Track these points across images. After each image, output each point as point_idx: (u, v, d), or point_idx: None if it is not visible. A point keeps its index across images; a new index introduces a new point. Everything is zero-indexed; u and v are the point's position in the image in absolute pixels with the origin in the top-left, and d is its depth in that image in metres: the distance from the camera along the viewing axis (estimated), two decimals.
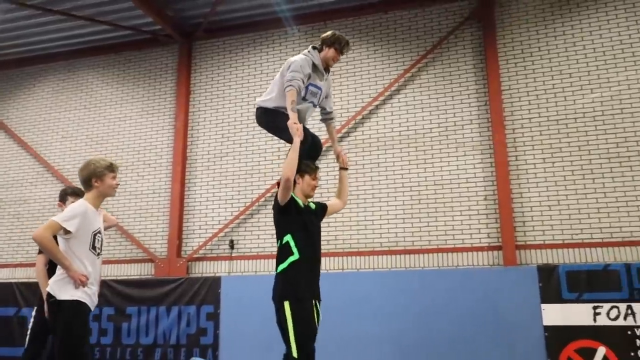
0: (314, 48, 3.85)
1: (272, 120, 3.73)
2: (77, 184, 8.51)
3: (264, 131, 8.43)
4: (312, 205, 3.64)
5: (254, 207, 7.86)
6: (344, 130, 7.74)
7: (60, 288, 2.99)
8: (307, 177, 3.51)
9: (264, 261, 7.60)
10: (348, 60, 7.95)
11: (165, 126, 8.63)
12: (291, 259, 3.34)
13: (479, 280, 6.53)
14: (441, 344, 6.33)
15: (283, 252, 3.40)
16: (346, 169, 4.01)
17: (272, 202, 3.69)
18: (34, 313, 4.14)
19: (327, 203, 3.88)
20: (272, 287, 3.45)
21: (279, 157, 7.93)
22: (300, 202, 3.52)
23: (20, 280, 8.28)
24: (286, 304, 3.25)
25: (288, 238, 3.38)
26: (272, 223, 7.90)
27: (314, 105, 3.83)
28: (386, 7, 7.97)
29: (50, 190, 8.89)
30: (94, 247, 3.14)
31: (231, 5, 8.15)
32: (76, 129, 9.08)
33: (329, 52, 3.79)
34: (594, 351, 5.89)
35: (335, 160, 4.13)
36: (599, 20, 7.14)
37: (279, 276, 3.39)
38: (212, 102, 8.52)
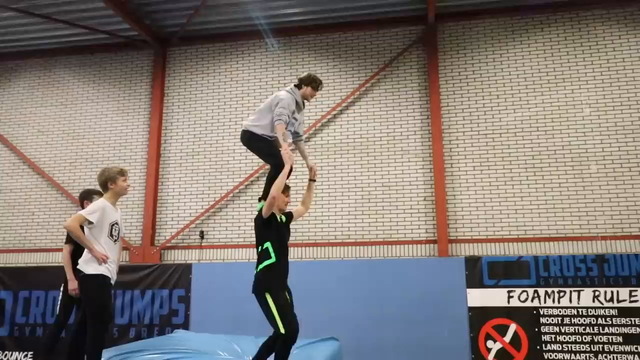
0: (295, 86, 4.54)
1: (257, 145, 4.40)
2: (54, 175, 9.09)
3: (233, 133, 9.35)
4: (283, 218, 4.40)
5: (222, 202, 8.69)
6: (305, 136, 8.68)
7: (87, 265, 3.81)
8: (281, 195, 4.26)
9: (231, 250, 8.46)
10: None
11: (140, 125, 9.27)
12: (269, 261, 4.06)
13: (418, 268, 7.45)
14: (386, 322, 7.20)
15: (263, 256, 4.10)
16: (314, 180, 4.76)
17: (256, 197, 4.44)
18: (61, 289, 4.92)
19: (293, 211, 4.53)
20: (238, 272, 4.23)
21: (246, 157, 8.78)
22: (278, 217, 4.24)
23: None
24: (267, 295, 3.97)
25: (268, 245, 4.09)
26: (239, 216, 8.81)
27: (292, 133, 4.59)
28: (345, 27, 8.93)
29: (26, 182, 9.36)
30: (111, 235, 3.96)
31: (205, 18, 8.89)
32: (52, 124, 9.55)
33: (307, 90, 4.52)
34: (507, 327, 6.91)
35: (308, 173, 4.75)
36: (522, 51, 8.41)
37: (259, 274, 4.08)
38: (185, 105, 9.24)
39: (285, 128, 4.32)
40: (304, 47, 9.06)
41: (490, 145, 8.20)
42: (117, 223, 4.04)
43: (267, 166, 4.67)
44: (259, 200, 4.33)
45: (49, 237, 9.07)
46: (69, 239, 4.60)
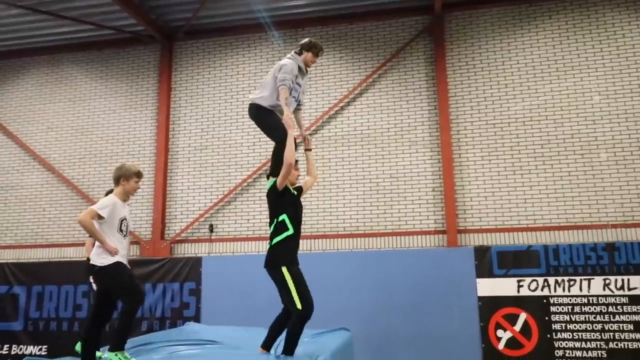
0: (295, 52, 4.47)
1: (264, 117, 4.30)
2: (64, 171, 9.19)
3: (241, 126, 9.36)
4: (295, 192, 4.37)
5: (231, 195, 8.74)
6: (312, 128, 8.69)
7: (99, 257, 3.85)
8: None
9: (241, 243, 8.51)
10: (317, 66, 8.86)
11: (148, 120, 9.32)
12: (287, 233, 4.01)
13: (427, 259, 7.48)
14: (395, 313, 7.25)
15: (280, 228, 4.03)
16: (310, 150, 4.62)
17: (264, 190, 4.34)
18: (91, 282, 5.06)
19: (301, 183, 4.44)
20: (248, 265, 4.18)
21: (254, 150, 8.82)
22: (291, 189, 4.20)
23: (10, 261, 8.87)
24: (284, 269, 3.90)
25: (284, 217, 4.04)
26: (248, 209, 8.84)
27: (296, 100, 4.53)
28: (351, 19, 8.91)
29: (37, 178, 9.45)
30: (120, 230, 4.01)
31: (210, 12, 8.89)
32: (61, 120, 9.63)
33: (308, 55, 4.49)
34: (517, 316, 6.93)
35: (302, 143, 4.69)
36: (530, 39, 8.35)
37: (275, 247, 4.00)
38: (193, 99, 9.27)
39: (290, 94, 4.28)
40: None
41: (499, 135, 8.16)
42: (125, 218, 4.08)
43: None
44: (267, 177, 4.28)
45: (60, 233, 9.17)
46: None
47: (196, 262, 8.07)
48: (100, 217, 3.89)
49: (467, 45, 8.54)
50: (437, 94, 8.39)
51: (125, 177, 4.07)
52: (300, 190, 4.43)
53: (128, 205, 4.21)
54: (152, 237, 8.70)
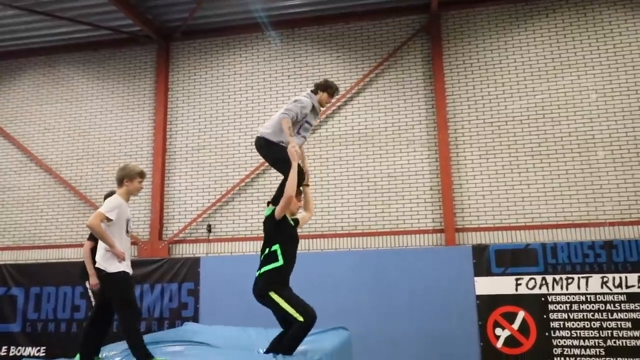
0: (311, 91, 4.51)
1: (272, 151, 4.29)
2: (61, 172, 9.18)
3: (238, 126, 9.35)
4: (292, 222, 4.34)
5: (229, 195, 8.73)
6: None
7: (107, 263, 3.81)
8: (294, 198, 4.20)
9: (239, 243, 8.51)
10: (314, 65, 8.89)
11: (145, 120, 9.31)
12: (275, 264, 3.99)
13: (425, 257, 7.42)
14: (394, 311, 7.21)
15: (270, 258, 4.01)
16: (308, 185, 4.56)
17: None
18: (87, 286, 5.17)
19: (299, 217, 4.45)
20: (246, 265, 4.11)
21: (251, 150, 8.79)
22: (289, 218, 4.18)
23: (8, 262, 8.85)
24: (272, 294, 3.91)
25: (276, 247, 4.02)
26: (246, 209, 8.82)
27: (305, 139, 4.52)
28: (347, 18, 8.90)
29: (34, 179, 9.43)
30: (127, 231, 3.99)
31: (207, 12, 8.88)
32: (58, 121, 9.60)
33: (323, 95, 4.49)
34: (515, 314, 6.88)
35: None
36: (527, 38, 8.36)
37: (263, 275, 3.99)
38: (190, 99, 9.26)
39: (299, 132, 4.27)
40: (307, 39, 9.04)
41: (496, 134, 8.17)
42: (129, 219, 4.07)
43: None
44: (268, 204, 4.26)
45: (58, 234, 9.15)
46: (91, 236, 4.64)
47: (194, 262, 8.04)
48: (108, 220, 3.86)
49: (464, 44, 8.54)
50: (434, 92, 8.40)
51: (128, 178, 4.03)
52: (296, 222, 4.40)
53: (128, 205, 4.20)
54: (150, 238, 8.69)
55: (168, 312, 7.93)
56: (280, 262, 4.00)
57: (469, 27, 8.59)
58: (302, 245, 8.15)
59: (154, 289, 8.05)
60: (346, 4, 8.72)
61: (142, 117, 9.31)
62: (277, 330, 5.22)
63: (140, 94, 9.41)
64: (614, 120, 7.83)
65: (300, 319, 3.86)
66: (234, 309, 7.51)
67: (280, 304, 3.90)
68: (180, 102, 9.27)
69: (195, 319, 7.76)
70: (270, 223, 4.12)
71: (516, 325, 6.89)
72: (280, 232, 4.09)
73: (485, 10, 8.55)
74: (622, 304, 6.54)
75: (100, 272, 3.85)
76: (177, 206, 8.87)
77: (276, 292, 3.93)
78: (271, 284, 3.97)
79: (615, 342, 6.45)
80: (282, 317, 4.05)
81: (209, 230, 8.62)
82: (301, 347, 4.14)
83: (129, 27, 9.14)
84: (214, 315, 7.70)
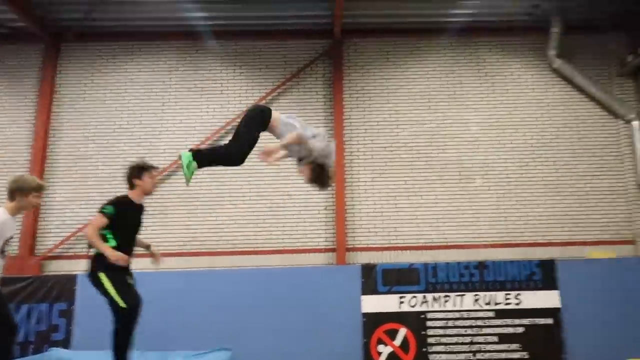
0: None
1: (260, 120, 3.95)
2: None
3: (130, 137, 8.84)
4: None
5: None
6: (209, 142, 8.50)
7: None
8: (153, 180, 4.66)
9: None
10: (216, 79, 8.77)
11: (25, 123, 8.54)
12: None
13: (316, 276, 7.46)
14: (282, 331, 7.12)
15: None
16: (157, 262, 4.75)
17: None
18: None
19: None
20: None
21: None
22: (135, 202, 4.63)
23: None
24: (101, 275, 4.17)
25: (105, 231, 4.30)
26: None
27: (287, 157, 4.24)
28: (254, 36, 8.94)
29: None
30: (2, 252, 3.52)
31: (105, 14, 8.44)
32: None
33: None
34: (397, 331, 7.13)
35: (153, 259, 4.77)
36: (421, 70, 8.95)
37: (93, 256, 4.30)
38: (79, 104, 8.66)
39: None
40: (211, 52, 8.92)
41: (389, 158, 8.57)
42: (11, 237, 3.62)
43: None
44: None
45: None
46: None
47: (70, 280, 7.37)
48: None
49: (364, 71, 8.94)
50: (333, 115, 8.64)
51: (21, 192, 3.59)
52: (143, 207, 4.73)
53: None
54: (20, 252, 7.88)
55: (33, 336, 7.18)
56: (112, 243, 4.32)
57: (369, 55, 9.01)
58: (190, 263, 7.90)
59: (20, 310, 7.26)
60: (253, 22, 8.76)
61: (21, 119, 8.53)
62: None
63: (20, 94, 8.64)
64: (490, 151, 8.57)
65: (122, 304, 4.11)
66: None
67: (106, 285, 4.20)
68: (67, 107, 8.64)
69: (66, 342, 7.09)
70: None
71: (398, 341, 7.13)
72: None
73: (385, 41, 9.03)
74: (490, 320, 7.05)
75: None
76: (55, 218, 8.16)
77: (106, 274, 4.21)
78: (101, 263, 4.20)
79: (483, 355, 6.91)
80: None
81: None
82: None
83: (13, 22, 8.41)
84: (89, 338, 7.07)
